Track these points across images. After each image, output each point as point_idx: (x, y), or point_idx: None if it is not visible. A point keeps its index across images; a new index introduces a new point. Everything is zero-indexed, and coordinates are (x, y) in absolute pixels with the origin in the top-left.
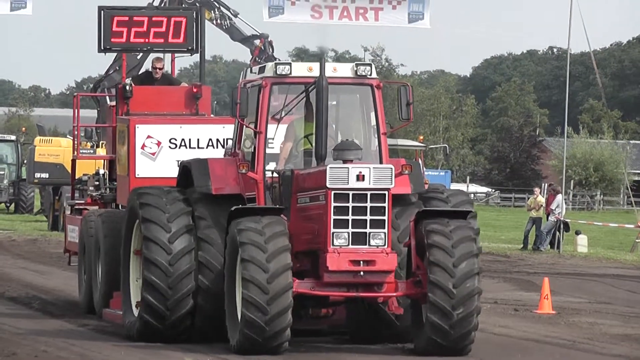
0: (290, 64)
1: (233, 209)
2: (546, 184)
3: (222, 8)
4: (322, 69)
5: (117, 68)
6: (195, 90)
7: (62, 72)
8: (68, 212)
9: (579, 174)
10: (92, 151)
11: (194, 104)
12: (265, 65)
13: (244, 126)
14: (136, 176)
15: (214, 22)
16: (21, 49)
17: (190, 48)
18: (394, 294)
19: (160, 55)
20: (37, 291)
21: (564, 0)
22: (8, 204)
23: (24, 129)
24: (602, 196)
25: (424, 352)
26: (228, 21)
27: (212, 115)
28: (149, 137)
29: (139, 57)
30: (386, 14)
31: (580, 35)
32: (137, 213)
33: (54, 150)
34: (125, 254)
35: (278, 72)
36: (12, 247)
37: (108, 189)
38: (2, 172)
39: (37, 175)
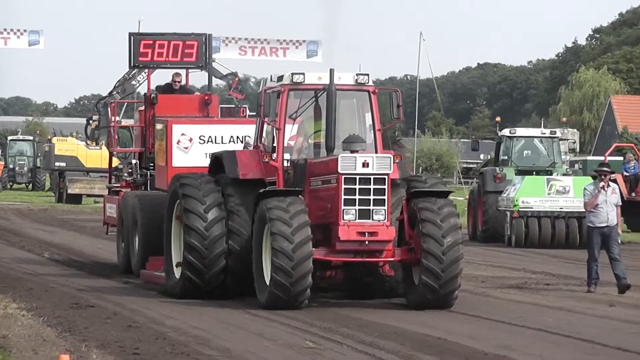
0: (304, 74)
1: (261, 190)
2: None
3: None
4: (331, 78)
5: (119, 91)
6: (206, 98)
7: (66, 91)
8: (106, 193)
9: (425, 162)
10: (98, 147)
11: (205, 109)
12: (283, 75)
13: (265, 124)
14: (172, 166)
15: None
16: (35, 73)
17: (200, 65)
18: (392, 259)
19: (179, 70)
20: (47, 245)
21: (414, 42)
22: (27, 184)
23: (38, 132)
24: (441, 178)
25: (416, 307)
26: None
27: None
28: (182, 134)
29: (135, 86)
30: (291, 52)
31: (426, 66)
32: (178, 192)
33: (69, 146)
34: (167, 227)
35: (294, 80)
36: (30, 214)
37: (139, 175)
38: (23, 162)
39: (57, 164)
